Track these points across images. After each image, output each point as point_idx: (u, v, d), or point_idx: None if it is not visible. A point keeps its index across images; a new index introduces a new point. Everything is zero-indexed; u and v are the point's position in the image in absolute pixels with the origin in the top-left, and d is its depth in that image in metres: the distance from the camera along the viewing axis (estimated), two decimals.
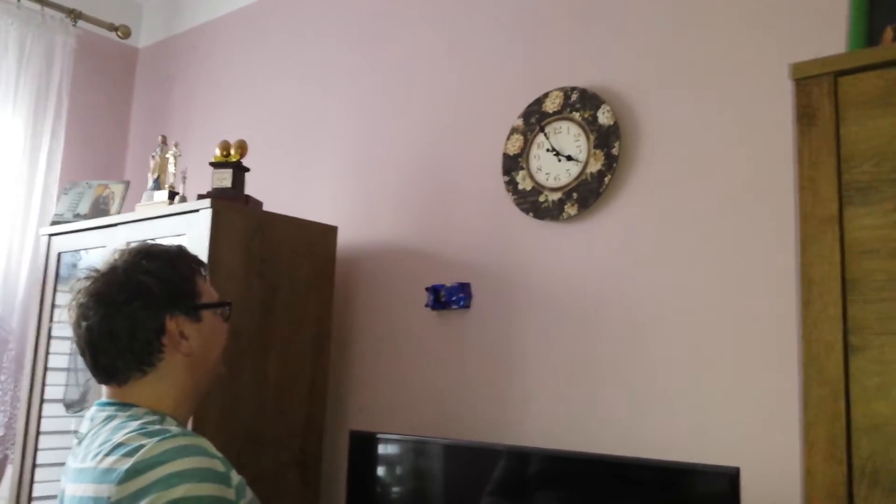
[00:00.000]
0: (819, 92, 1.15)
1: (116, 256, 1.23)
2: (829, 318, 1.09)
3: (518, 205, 2.07)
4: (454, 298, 2.15)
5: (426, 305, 2.20)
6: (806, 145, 1.15)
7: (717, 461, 1.56)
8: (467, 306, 2.13)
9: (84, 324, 1.18)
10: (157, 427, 1.11)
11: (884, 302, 1.07)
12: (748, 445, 1.61)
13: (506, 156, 2.12)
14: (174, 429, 1.12)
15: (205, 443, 1.08)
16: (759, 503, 1.54)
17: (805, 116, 1.16)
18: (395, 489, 1.94)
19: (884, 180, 1.09)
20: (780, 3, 1.71)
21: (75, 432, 1.24)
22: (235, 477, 1.08)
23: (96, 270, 1.22)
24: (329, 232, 2.33)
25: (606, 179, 1.91)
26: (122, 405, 1.18)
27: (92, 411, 1.21)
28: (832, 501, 1.05)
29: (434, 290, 2.18)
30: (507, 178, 2.11)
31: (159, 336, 1.19)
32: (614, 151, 1.91)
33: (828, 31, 1.58)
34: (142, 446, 1.04)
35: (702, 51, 1.83)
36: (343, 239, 2.42)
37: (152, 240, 2.15)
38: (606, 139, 1.93)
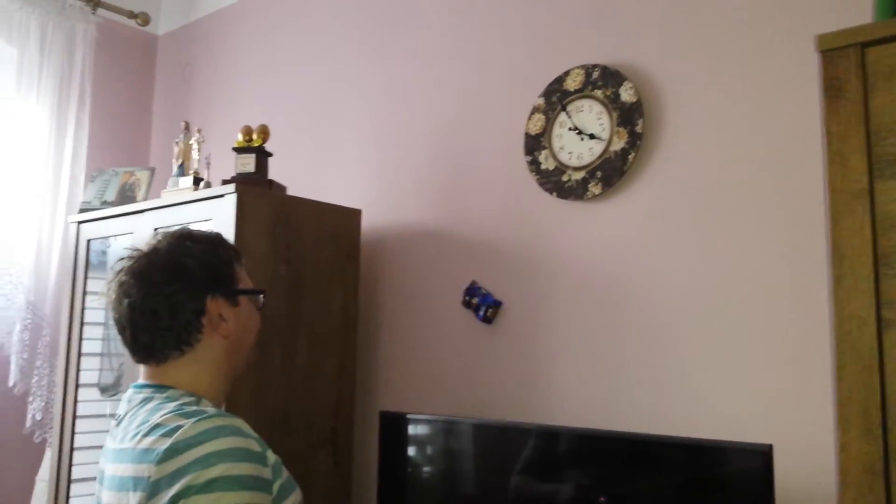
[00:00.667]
0: (846, 64, 1.13)
1: (160, 238, 1.26)
2: (861, 292, 1.09)
3: (541, 185, 2.07)
4: (483, 305, 2.14)
5: (463, 304, 2.20)
6: (834, 119, 1.14)
7: (748, 439, 1.56)
8: (494, 313, 2.13)
9: (126, 301, 1.20)
10: (195, 408, 1.14)
11: None
12: (780, 422, 1.60)
13: (527, 135, 2.11)
14: (211, 410, 1.14)
15: (241, 423, 1.11)
16: (792, 480, 1.53)
17: (832, 89, 1.14)
18: (426, 469, 1.96)
19: None
20: None
21: (112, 415, 1.27)
22: (271, 457, 1.11)
23: (138, 250, 1.24)
24: (353, 215, 2.34)
25: (630, 157, 1.90)
26: (158, 387, 1.20)
27: (129, 393, 1.24)
28: (868, 477, 1.04)
29: (470, 294, 2.18)
30: (529, 158, 2.10)
31: (199, 316, 1.21)
32: (638, 129, 1.89)
33: (854, 2, 1.55)
34: (180, 427, 1.07)
35: (725, 24, 1.80)
36: (367, 222, 2.43)
37: (179, 225, 2.19)
38: (629, 117, 1.91)
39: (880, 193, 1.10)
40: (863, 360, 1.07)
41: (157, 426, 1.10)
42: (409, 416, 1.99)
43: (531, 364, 2.04)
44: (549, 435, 1.73)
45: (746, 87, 1.75)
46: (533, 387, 2.03)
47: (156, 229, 2.29)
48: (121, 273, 1.22)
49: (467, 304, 2.18)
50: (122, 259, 1.25)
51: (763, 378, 1.65)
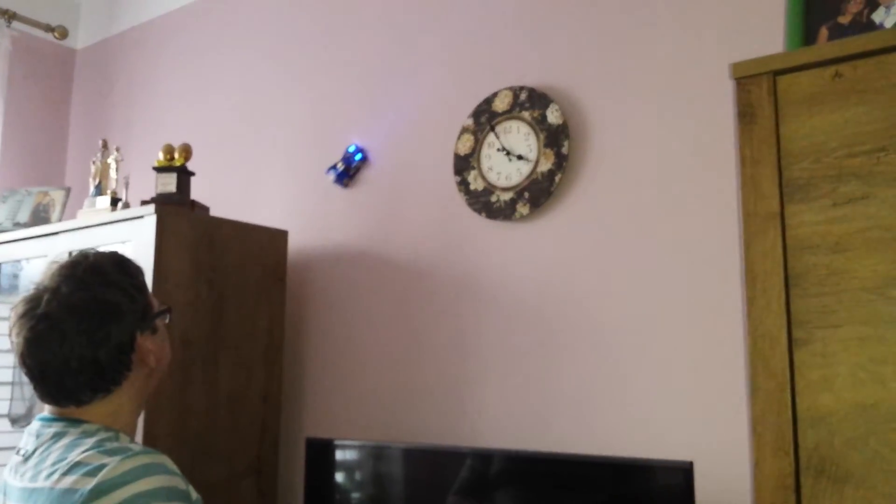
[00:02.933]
0: (758, 91, 1.17)
1: (62, 271, 1.16)
2: (773, 312, 1.12)
3: (470, 205, 2.07)
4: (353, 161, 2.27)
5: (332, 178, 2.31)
6: (747, 143, 1.17)
7: (671, 456, 1.58)
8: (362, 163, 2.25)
9: (48, 350, 1.11)
10: (116, 444, 1.09)
11: (825, 296, 1.09)
12: (701, 440, 1.64)
13: (457, 156, 2.12)
14: (135, 447, 1.10)
15: (166, 460, 1.07)
16: (712, 496, 1.56)
17: (745, 115, 1.18)
18: (355, 495, 1.92)
19: (822, 177, 1.12)
20: (720, 4, 1.74)
21: (18, 449, 1.19)
22: (194, 493, 1.07)
23: (46, 289, 1.14)
24: (279, 236, 2.30)
25: (557, 178, 1.92)
26: (71, 421, 1.14)
27: (36, 426, 1.17)
28: (780, 493, 1.07)
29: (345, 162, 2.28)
30: (458, 179, 2.11)
31: (129, 354, 1.16)
32: (564, 150, 1.92)
33: (767, 31, 1.61)
34: (104, 465, 1.02)
35: (644, 51, 1.85)
36: (294, 243, 2.38)
37: (95, 248, 2.10)
38: (556, 138, 1.94)
39: (791, 216, 1.13)
40: (775, 378, 1.10)
41: (77, 464, 1.04)
42: (336, 441, 1.95)
43: (460, 385, 2.03)
44: (480, 457, 1.73)
45: (666, 111, 1.80)
46: (462, 408, 2.02)
47: (70, 253, 2.20)
48: (31, 318, 1.12)
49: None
50: (28, 300, 1.14)
51: (684, 396, 1.68)
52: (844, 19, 1.27)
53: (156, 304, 1.25)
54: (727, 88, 1.67)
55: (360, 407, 2.22)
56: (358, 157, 2.29)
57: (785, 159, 1.15)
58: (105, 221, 2.13)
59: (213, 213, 2.26)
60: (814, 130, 1.13)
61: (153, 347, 1.20)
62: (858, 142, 1.10)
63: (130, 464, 1.02)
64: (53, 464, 1.07)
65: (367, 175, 2.33)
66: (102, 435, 1.11)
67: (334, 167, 2.31)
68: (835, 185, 1.11)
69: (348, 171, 2.30)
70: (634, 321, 1.78)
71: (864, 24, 1.25)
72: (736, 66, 1.21)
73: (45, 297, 1.13)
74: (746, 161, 1.17)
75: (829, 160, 1.12)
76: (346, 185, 2.31)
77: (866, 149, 1.09)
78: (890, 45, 1.10)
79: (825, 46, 1.19)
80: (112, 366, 1.14)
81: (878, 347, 1.05)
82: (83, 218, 2.26)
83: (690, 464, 1.42)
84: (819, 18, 1.28)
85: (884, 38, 1.11)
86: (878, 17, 1.25)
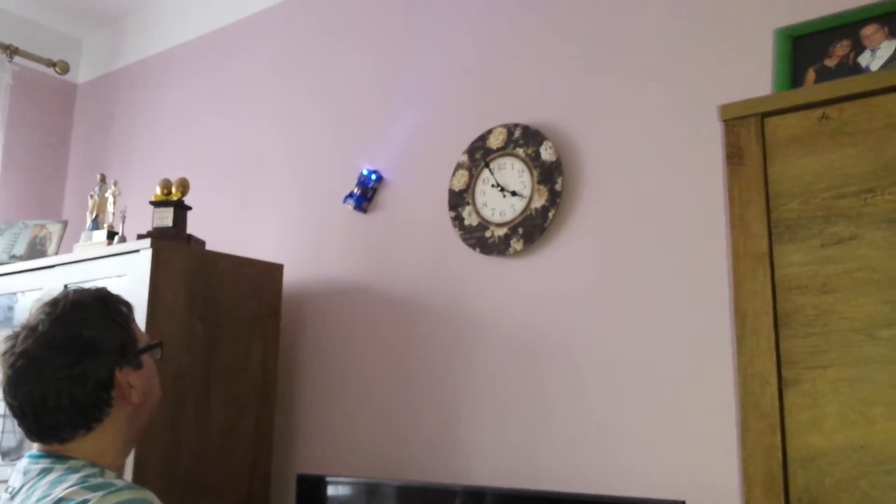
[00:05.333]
0: (747, 133, 1.19)
1: (48, 311, 1.17)
2: (762, 352, 1.12)
3: (464, 240, 2.08)
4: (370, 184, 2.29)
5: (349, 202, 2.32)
6: (736, 184, 1.18)
7: (663, 495, 1.57)
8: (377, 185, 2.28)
9: (26, 387, 1.12)
10: (100, 480, 1.08)
11: (814, 336, 1.10)
12: (692, 479, 1.62)
13: (451, 191, 2.14)
14: (119, 482, 1.09)
15: (150, 496, 1.06)
16: None
17: (734, 156, 1.19)
18: None
19: (810, 217, 1.13)
20: (710, 47, 1.77)
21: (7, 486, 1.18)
22: None
23: (28, 328, 1.16)
24: (274, 270, 2.30)
25: (550, 214, 1.93)
26: (58, 457, 1.14)
27: (24, 463, 1.16)
28: None
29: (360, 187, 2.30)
30: (453, 214, 2.12)
31: (108, 391, 1.16)
32: (557, 187, 1.94)
33: (756, 73, 1.64)
34: (86, 501, 1.01)
35: (637, 91, 1.87)
36: (289, 277, 2.39)
37: (91, 282, 2.10)
38: (550, 175, 1.95)
39: (779, 256, 1.14)
40: (766, 418, 1.10)
41: (60, 500, 1.03)
42: (328, 478, 1.93)
43: (452, 421, 2.02)
44: (473, 494, 1.71)
45: (657, 150, 1.82)
46: (454, 444, 2.01)
47: (66, 286, 2.20)
48: (10, 355, 1.13)
49: None
50: (9, 338, 1.16)
51: (676, 435, 1.67)
52: (831, 62, 1.29)
53: (143, 340, 1.24)
54: (717, 128, 1.69)
55: (352, 443, 2.20)
56: (373, 178, 2.30)
57: (773, 200, 1.16)
58: (101, 255, 2.13)
59: (210, 246, 2.27)
60: (802, 171, 1.15)
61: (137, 383, 1.19)
62: (846, 183, 1.11)
63: (113, 499, 1.01)
64: (38, 500, 1.06)
65: (374, 199, 2.34)
66: (88, 471, 1.11)
67: (351, 194, 2.31)
68: (823, 225, 1.12)
69: (366, 195, 2.31)
70: (627, 359, 1.77)
71: (850, 68, 1.27)
72: (724, 108, 1.22)
73: (23, 334, 1.15)
74: (735, 201, 1.18)
75: (816, 201, 1.13)
76: (365, 210, 2.31)
77: (854, 190, 1.10)
78: (876, 88, 1.11)
79: (812, 89, 1.20)
80: (91, 402, 1.14)
81: (866, 388, 1.05)
82: (79, 251, 2.27)
83: (683, 503, 1.41)
84: (806, 61, 1.30)
85: (870, 82, 1.13)
86: (864, 60, 1.27)
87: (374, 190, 2.30)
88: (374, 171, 2.30)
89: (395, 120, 2.33)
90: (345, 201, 2.33)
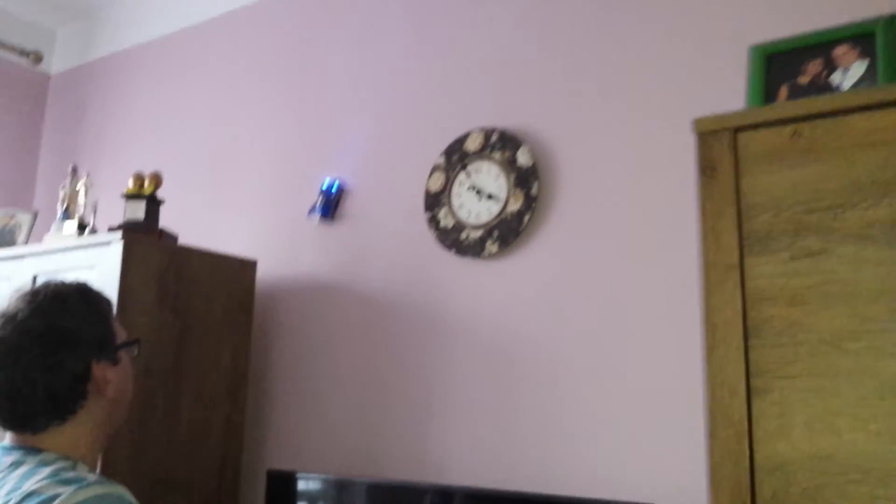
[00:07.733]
0: (720, 146, 1.21)
1: (28, 300, 1.16)
2: (732, 361, 1.15)
3: (440, 241, 2.09)
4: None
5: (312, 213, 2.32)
6: (708, 196, 1.21)
7: (633, 498, 1.60)
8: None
9: (0, 374, 1.11)
10: (72, 474, 1.07)
11: (782, 347, 1.12)
12: (662, 482, 1.65)
13: (428, 193, 2.14)
14: (91, 476, 1.08)
15: (122, 490, 1.05)
16: None
17: (707, 169, 1.22)
18: None
19: (781, 231, 1.16)
20: (687, 61, 1.80)
21: None
22: None
23: (6, 316, 1.14)
24: (247, 266, 2.29)
25: (526, 218, 1.95)
26: (30, 450, 1.13)
27: None
28: None
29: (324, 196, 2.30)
30: (428, 215, 2.13)
31: (84, 383, 1.15)
32: (533, 192, 1.95)
33: (730, 88, 1.67)
34: (57, 495, 1.00)
35: (613, 99, 1.90)
36: (262, 273, 2.38)
37: (60, 272, 2.08)
38: (525, 179, 1.97)
39: (750, 268, 1.17)
40: (733, 426, 1.12)
41: (31, 494, 1.02)
42: (298, 474, 1.93)
43: (425, 420, 2.03)
44: (443, 494, 1.72)
45: (632, 158, 1.84)
46: (426, 444, 2.02)
47: (35, 276, 2.17)
48: None
49: None
50: None
51: (647, 438, 1.70)
52: (804, 79, 1.32)
53: (122, 337, 1.24)
54: (691, 139, 1.72)
55: (323, 440, 2.20)
56: (334, 188, 2.30)
57: (745, 213, 1.19)
58: (71, 246, 2.10)
59: (183, 241, 2.25)
60: (773, 186, 1.17)
61: (113, 378, 1.18)
62: (816, 198, 1.14)
63: (84, 494, 1.00)
64: (8, 493, 1.05)
65: (341, 208, 2.34)
66: (60, 465, 1.10)
67: (314, 208, 2.31)
68: (793, 239, 1.14)
69: (329, 204, 2.30)
70: (598, 362, 1.80)
71: (822, 85, 1.30)
72: (698, 122, 1.25)
73: (1, 322, 1.14)
74: (707, 213, 1.20)
75: (787, 215, 1.16)
76: (333, 218, 2.31)
77: (824, 205, 1.13)
78: (847, 107, 1.14)
79: (785, 105, 1.23)
80: (66, 394, 1.13)
81: (832, 399, 1.08)
82: (49, 242, 2.23)
83: None
84: (780, 78, 1.33)
85: (841, 100, 1.16)
86: (836, 78, 1.30)
87: (338, 199, 2.31)
88: (334, 181, 2.30)
89: (372, 120, 2.33)
90: (309, 214, 2.33)
